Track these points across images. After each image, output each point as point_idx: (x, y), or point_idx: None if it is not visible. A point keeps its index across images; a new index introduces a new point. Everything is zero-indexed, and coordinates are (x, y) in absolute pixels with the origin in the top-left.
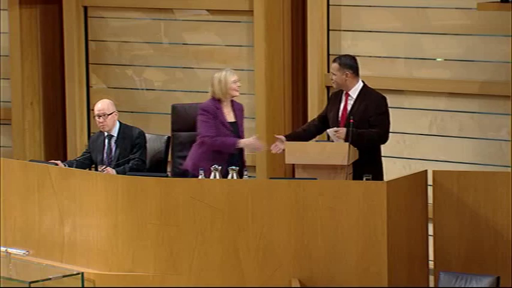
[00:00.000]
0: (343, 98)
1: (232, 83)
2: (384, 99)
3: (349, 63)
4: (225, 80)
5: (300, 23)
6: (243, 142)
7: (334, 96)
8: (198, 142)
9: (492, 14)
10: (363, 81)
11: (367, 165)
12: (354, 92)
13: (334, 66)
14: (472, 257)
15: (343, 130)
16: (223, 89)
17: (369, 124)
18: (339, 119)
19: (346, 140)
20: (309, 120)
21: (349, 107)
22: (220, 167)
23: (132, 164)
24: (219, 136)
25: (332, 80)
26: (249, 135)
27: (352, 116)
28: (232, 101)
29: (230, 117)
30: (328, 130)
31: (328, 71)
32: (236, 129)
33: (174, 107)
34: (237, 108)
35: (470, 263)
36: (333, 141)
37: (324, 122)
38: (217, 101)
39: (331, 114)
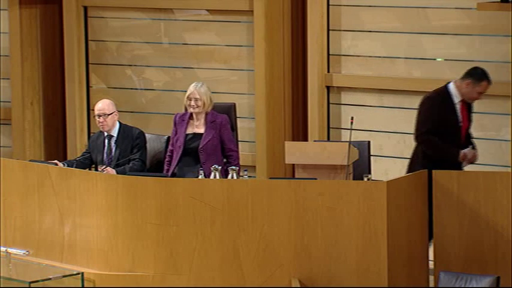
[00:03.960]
0: (457, 105)
1: (187, 99)
2: None
3: None
4: (186, 93)
5: (300, 23)
6: None
7: (446, 103)
8: None
9: (492, 14)
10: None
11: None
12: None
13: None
14: (472, 257)
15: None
16: (184, 102)
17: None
18: (460, 124)
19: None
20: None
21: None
22: (220, 167)
23: (132, 165)
24: (176, 144)
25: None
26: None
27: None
28: (208, 113)
29: (196, 128)
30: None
31: (328, 71)
32: (197, 141)
33: None
34: (210, 120)
35: (470, 263)
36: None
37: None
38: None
39: (450, 120)
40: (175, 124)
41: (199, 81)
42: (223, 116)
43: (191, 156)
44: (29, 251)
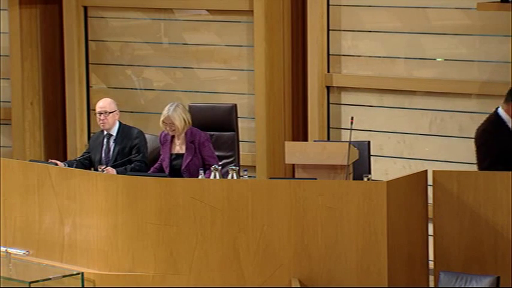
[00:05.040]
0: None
1: (162, 123)
2: None
3: None
4: (161, 117)
5: (300, 23)
6: None
7: (502, 131)
8: None
9: (492, 14)
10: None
11: None
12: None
13: None
14: (472, 257)
15: None
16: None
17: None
18: None
19: None
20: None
21: None
22: (220, 167)
23: (134, 165)
24: (163, 164)
25: None
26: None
27: None
28: (187, 132)
29: (178, 148)
30: None
31: (328, 71)
32: (181, 162)
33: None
34: (189, 140)
35: (470, 263)
36: None
37: None
38: None
39: (510, 146)
40: (160, 143)
41: (175, 101)
42: (202, 134)
43: (178, 175)
44: (29, 251)
